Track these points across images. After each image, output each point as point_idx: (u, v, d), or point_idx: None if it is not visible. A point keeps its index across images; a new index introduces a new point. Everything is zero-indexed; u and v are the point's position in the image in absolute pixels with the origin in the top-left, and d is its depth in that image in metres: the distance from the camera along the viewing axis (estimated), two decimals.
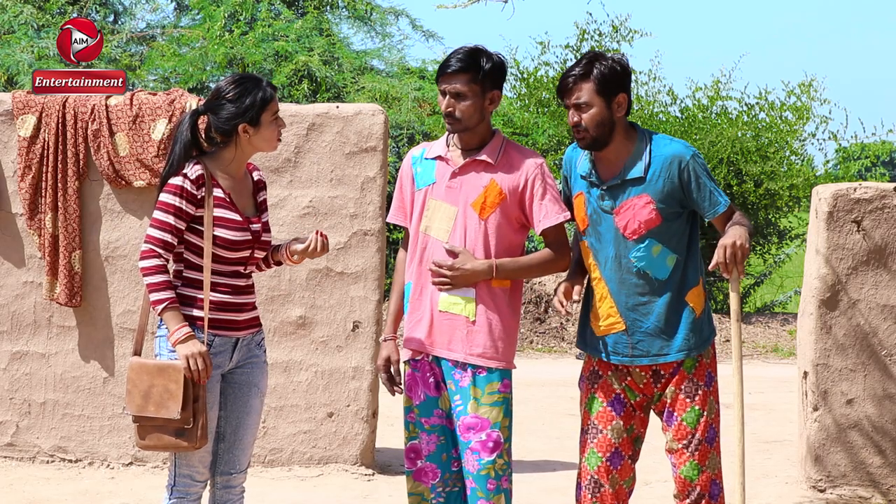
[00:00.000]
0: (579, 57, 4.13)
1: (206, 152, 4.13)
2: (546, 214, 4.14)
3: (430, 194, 4.19)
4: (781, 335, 13.98)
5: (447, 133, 4.26)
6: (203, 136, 4.13)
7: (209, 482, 4.21)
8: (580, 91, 4.00)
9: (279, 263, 4.30)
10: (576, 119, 4.02)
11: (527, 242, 4.36)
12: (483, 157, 4.15)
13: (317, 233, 4.17)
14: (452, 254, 4.12)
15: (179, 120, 4.14)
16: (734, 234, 3.88)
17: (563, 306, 4.08)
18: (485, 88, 4.11)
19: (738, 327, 3.98)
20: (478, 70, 4.08)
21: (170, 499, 4.11)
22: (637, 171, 4.03)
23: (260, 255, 4.17)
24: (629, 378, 4.16)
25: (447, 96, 4.10)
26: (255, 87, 4.06)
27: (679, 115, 15.45)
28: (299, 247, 4.19)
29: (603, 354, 4.17)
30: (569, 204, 4.22)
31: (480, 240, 4.13)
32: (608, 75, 3.99)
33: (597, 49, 16.08)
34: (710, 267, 3.92)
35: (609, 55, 4.05)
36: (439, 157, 4.21)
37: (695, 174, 4.03)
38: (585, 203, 4.13)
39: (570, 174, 4.22)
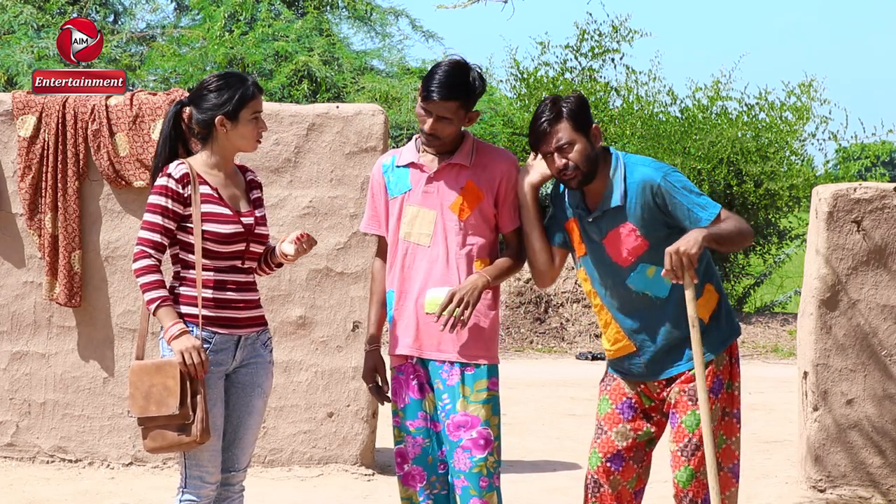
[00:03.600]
0: (541, 103, 4.09)
1: (193, 152, 4.15)
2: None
3: (406, 201, 4.20)
4: (781, 335, 13.98)
5: (416, 137, 4.26)
6: (187, 129, 4.15)
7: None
8: (558, 133, 3.97)
9: (280, 265, 4.30)
10: (562, 162, 3.98)
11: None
12: (457, 160, 4.16)
13: (297, 240, 4.16)
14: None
15: (155, 115, 4.18)
16: (681, 241, 3.84)
17: None
18: (468, 111, 4.13)
19: (697, 333, 3.93)
20: (466, 98, 4.09)
21: (181, 501, 4.11)
22: (616, 200, 4.01)
23: (257, 248, 4.17)
24: (643, 385, 4.15)
25: (431, 118, 4.07)
26: (238, 84, 4.08)
27: (679, 115, 15.44)
28: (288, 249, 4.18)
29: (623, 374, 4.17)
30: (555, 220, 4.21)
31: (461, 240, 4.15)
32: (577, 110, 3.98)
33: (597, 49, 16.10)
34: (661, 274, 3.91)
35: (563, 96, 4.04)
36: (412, 164, 4.21)
37: (668, 195, 3.98)
38: (579, 231, 4.12)
39: (558, 201, 4.18)
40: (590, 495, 4.17)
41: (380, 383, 4.28)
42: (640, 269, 4.03)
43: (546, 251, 4.15)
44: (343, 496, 6.29)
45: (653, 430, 4.19)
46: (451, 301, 4.03)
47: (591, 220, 4.06)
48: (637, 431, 4.15)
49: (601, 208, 4.03)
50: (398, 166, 4.24)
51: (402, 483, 4.27)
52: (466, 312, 4.03)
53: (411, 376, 4.20)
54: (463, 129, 4.21)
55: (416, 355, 4.18)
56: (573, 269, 8.67)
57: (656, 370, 4.09)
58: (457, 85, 4.06)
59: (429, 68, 4.27)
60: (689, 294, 3.90)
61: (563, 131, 3.97)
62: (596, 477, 4.15)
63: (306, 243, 4.16)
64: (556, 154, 3.99)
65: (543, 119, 3.99)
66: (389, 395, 4.28)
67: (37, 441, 6.70)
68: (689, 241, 3.83)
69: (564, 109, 3.98)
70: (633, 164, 4.04)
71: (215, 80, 4.09)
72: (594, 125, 4.01)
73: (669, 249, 3.83)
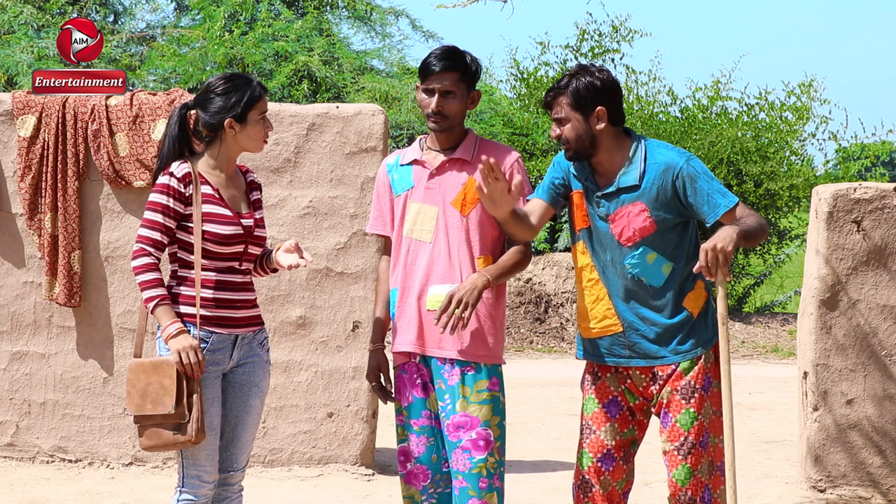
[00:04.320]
0: (568, 69, 4.17)
1: (196, 152, 4.15)
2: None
3: (409, 198, 4.21)
4: (781, 335, 13.99)
5: (419, 138, 4.28)
6: (192, 131, 4.15)
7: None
8: (558, 106, 4.05)
9: (275, 270, 4.30)
10: (557, 132, 4.07)
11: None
12: (458, 155, 4.17)
13: (290, 267, 4.18)
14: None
15: (169, 115, 4.19)
16: (716, 237, 3.85)
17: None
18: (469, 88, 4.16)
19: (726, 331, 3.95)
20: (465, 69, 4.15)
21: (179, 500, 4.11)
22: (631, 179, 4.03)
23: (255, 251, 4.18)
24: (629, 381, 4.15)
25: (436, 95, 4.11)
26: (244, 85, 4.09)
27: (679, 115, 15.46)
28: (283, 260, 4.19)
29: (599, 358, 4.16)
30: (554, 193, 4.21)
31: (463, 236, 4.15)
32: (582, 90, 4.01)
33: (597, 49, 16.10)
34: (693, 270, 3.91)
35: (593, 68, 4.07)
36: (415, 162, 4.23)
37: (690, 180, 4.00)
38: (585, 204, 4.13)
39: (565, 172, 4.20)
40: (582, 496, 4.17)
41: (383, 383, 4.29)
42: (641, 251, 4.03)
43: (528, 230, 4.13)
44: (343, 496, 6.29)
45: (636, 430, 4.19)
46: (450, 302, 4.03)
47: (600, 195, 4.07)
48: (623, 430, 4.16)
49: (614, 185, 4.05)
50: (402, 165, 4.26)
51: (405, 481, 4.27)
52: (466, 313, 4.02)
53: (415, 375, 4.20)
54: (466, 127, 4.23)
55: (419, 353, 4.18)
56: (572, 269, 8.59)
57: (638, 354, 4.09)
58: (453, 57, 4.13)
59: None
60: (721, 292, 3.91)
61: (561, 106, 4.04)
62: (587, 477, 4.15)
63: (299, 263, 4.18)
64: (554, 123, 4.08)
65: (553, 88, 4.07)
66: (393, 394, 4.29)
67: (37, 441, 6.70)
68: (725, 239, 3.84)
69: (571, 86, 4.03)
70: (655, 147, 4.08)
71: (222, 83, 4.09)
72: (599, 108, 4.01)
73: (705, 246, 3.83)
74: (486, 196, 3.93)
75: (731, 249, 3.82)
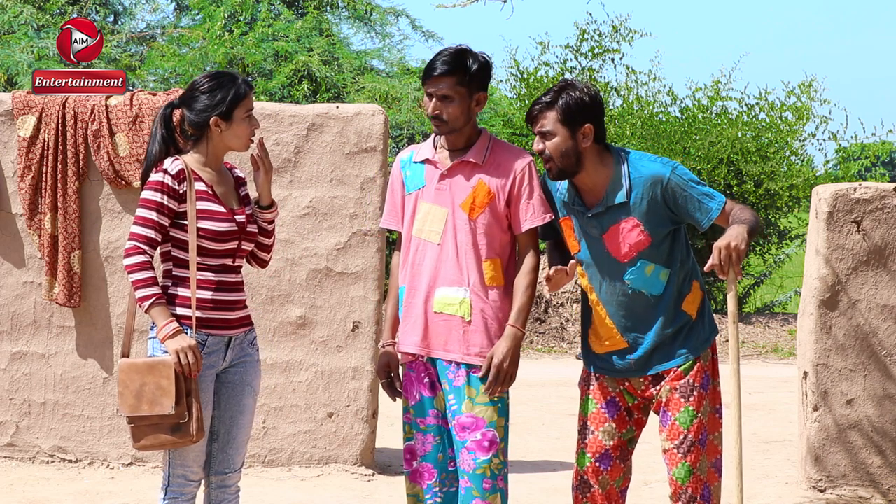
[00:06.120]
0: (552, 85, 4.16)
1: (184, 150, 4.14)
2: (533, 214, 4.16)
3: (420, 198, 4.20)
4: (781, 335, 13.99)
5: (434, 135, 4.27)
6: (178, 130, 4.14)
7: (203, 482, 4.20)
8: (545, 119, 4.02)
9: (271, 222, 4.25)
10: (540, 147, 4.04)
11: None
12: (470, 157, 4.16)
13: (254, 162, 4.17)
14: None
15: (155, 115, 4.18)
16: (729, 236, 3.86)
17: (548, 281, 4.06)
18: (471, 91, 4.12)
19: (736, 329, 3.97)
20: (464, 73, 4.10)
21: (164, 499, 4.11)
22: (620, 197, 4.03)
23: (247, 247, 4.17)
24: (627, 382, 4.16)
25: (433, 99, 4.11)
26: (229, 83, 4.08)
27: (679, 115, 15.44)
28: (260, 190, 4.17)
29: (606, 371, 4.18)
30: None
31: (471, 239, 4.14)
32: (573, 106, 3.99)
33: (597, 49, 16.09)
34: (706, 268, 3.91)
35: (580, 85, 4.05)
36: (427, 160, 4.22)
37: (679, 189, 4.01)
38: (573, 229, 4.14)
39: (551, 198, 4.21)
40: (581, 496, 4.18)
41: (393, 380, 4.28)
42: (639, 265, 4.04)
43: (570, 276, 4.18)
44: (343, 496, 6.29)
45: (634, 430, 4.20)
46: (492, 371, 4.09)
47: (590, 215, 4.07)
48: (621, 430, 4.17)
49: (604, 203, 4.05)
50: (415, 162, 4.26)
51: (410, 480, 4.27)
52: (508, 385, 4.13)
53: (423, 374, 4.20)
54: (480, 127, 4.22)
55: (424, 354, 4.18)
56: None
57: (644, 366, 4.11)
58: (452, 61, 4.10)
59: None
60: (732, 290, 3.92)
61: (548, 120, 4.01)
62: (585, 477, 4.17)
63: (260, 157, 4.16)
64: (538, 137, 4.05)
65: (539, 102, 4.04)
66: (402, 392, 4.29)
67: (37, 441, 6.70)
68: (738, 237, 3.85)
69: (560, 100, 4.00)
70: (638, 160, 4.07)
71: (207, 81, 4.08)
72: (586, 125, 4.00)
73: (718, 244, 3.84)
74: (552, 286, 4.04)
75: (745, 247, 3.84)
